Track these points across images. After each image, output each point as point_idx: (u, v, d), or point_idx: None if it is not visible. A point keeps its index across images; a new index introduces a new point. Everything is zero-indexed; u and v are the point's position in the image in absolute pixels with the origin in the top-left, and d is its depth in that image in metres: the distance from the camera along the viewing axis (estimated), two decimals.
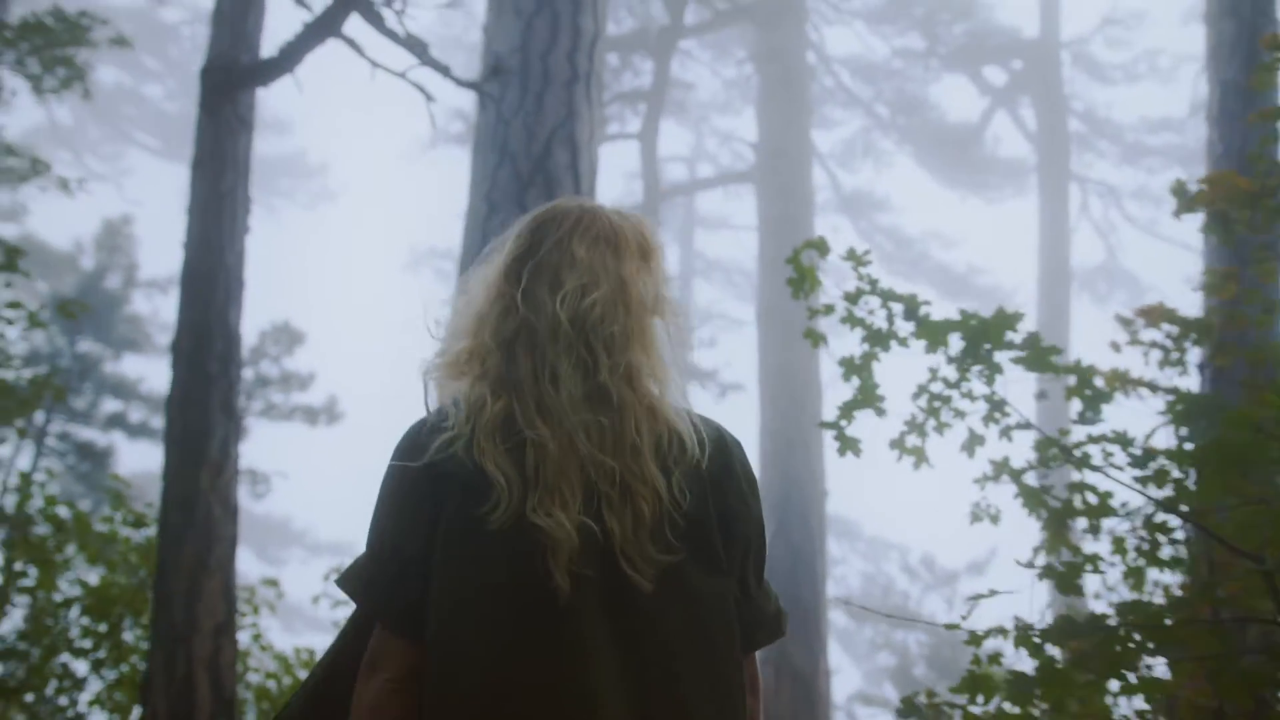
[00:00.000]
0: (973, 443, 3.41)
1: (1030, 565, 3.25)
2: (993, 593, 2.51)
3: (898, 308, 3.33)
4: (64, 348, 14.90)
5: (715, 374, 18.28)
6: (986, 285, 23.88)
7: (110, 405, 15.00)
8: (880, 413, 3.26)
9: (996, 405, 3.24)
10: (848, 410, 3.26)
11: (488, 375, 1.44)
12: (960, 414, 3.36)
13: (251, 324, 14.19)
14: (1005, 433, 3.29)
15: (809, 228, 16.25)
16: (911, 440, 3.34)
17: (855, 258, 3.45)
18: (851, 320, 3.49)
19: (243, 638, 8.17)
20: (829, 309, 3.45)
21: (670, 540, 1.36)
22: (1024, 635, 2.77)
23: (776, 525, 15.12)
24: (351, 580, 1.47)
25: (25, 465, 13.23)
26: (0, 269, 7.08)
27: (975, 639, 2.45)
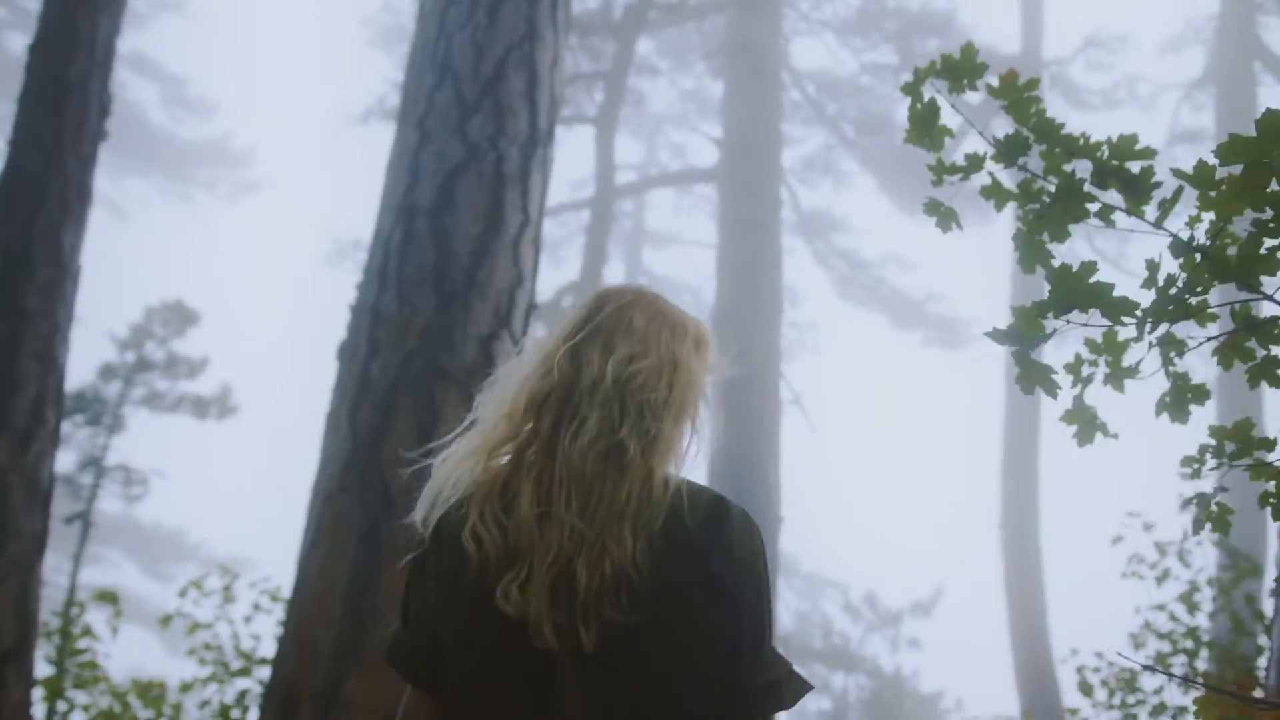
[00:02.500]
0: (1184, 396, 1.94)
1: None
2: None
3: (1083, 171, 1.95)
4: None
5: None
6: (943, 314, 23.10)
7: None
8: (1118, 311, 1.82)
9: (1260, 327, 1.81)
10: (1032, 318, 1.84)
11: (503, 439, 1.52)
12: (1179, 346, 1.91)
13: (141, 307, 12.39)
14: (1261, 374, 1.85)
15: (774, 234, 15.00)
16: (1083, 398, 1.89)
17: (1014, 90, 2.06)
18: (997, 194, 2.13)
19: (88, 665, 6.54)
20: (977, 161, 2.07)
21: (624, 604, 1.38)
22: None
23: None
24: (384, 645, 1.60)
25: None
26: None
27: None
